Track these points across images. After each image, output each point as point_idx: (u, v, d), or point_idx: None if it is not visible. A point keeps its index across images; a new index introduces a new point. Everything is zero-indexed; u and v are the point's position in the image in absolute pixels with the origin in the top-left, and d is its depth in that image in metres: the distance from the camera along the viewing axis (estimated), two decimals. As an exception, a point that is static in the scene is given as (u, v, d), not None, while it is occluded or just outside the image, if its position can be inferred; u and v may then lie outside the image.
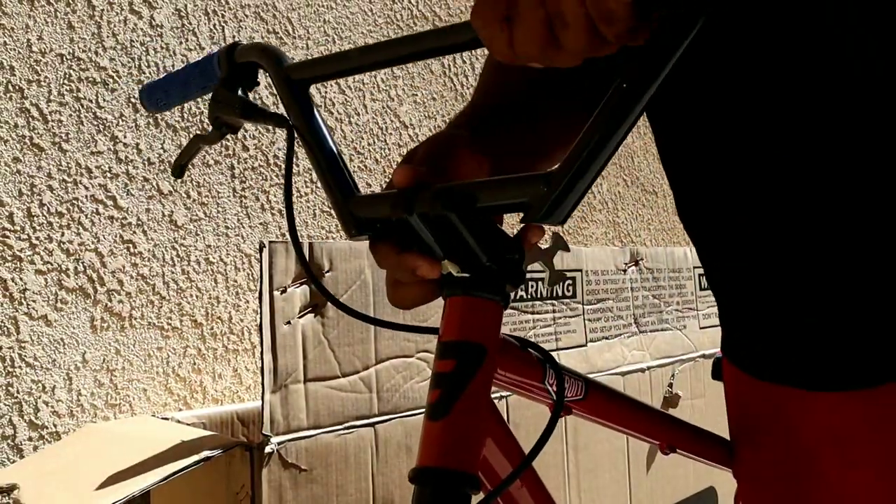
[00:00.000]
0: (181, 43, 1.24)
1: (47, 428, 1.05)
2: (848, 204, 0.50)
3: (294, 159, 0.58)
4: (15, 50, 1.06)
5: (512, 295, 0.65)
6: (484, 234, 0.48)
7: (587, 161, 0.42)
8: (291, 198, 0.58)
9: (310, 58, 0.67)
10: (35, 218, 1.06)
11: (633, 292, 1.40)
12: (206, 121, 1.24)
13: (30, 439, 1.04)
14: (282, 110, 0.60)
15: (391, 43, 0.52)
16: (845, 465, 0.54)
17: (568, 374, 0.59)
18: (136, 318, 1.16)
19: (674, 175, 0.63)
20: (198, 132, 0.75)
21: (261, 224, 1.33)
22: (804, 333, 0.55)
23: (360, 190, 0.56)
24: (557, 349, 1.24)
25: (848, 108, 0.49)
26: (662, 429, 0.67)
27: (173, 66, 1.22)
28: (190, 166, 1.23)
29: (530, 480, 0.56)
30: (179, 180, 1.22)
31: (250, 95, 0.65)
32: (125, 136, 1.16)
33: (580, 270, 1.29)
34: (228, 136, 0.77)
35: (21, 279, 1.04)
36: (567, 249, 0.62)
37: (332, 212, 1.42)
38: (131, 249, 1.16)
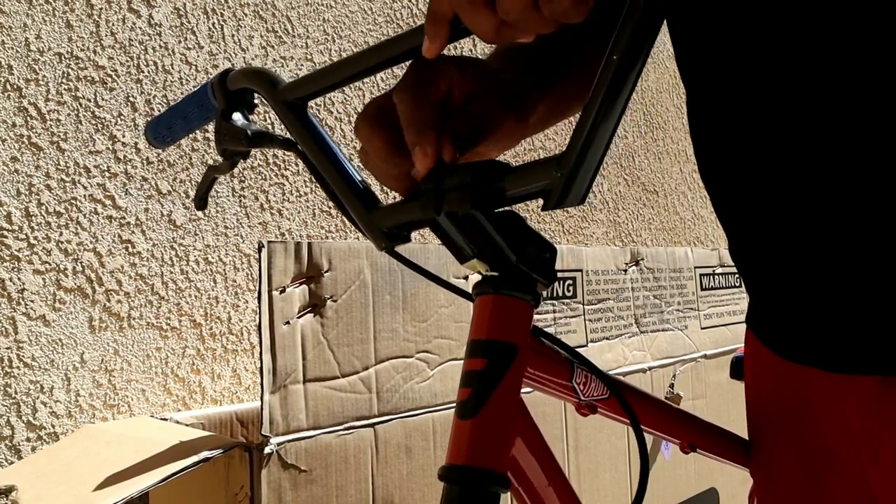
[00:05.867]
0: (180, 42, 1.23)
1: (45, 429, 1.05)
2: (883, 173, 0.48)
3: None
4: (13, 48, 1.05)
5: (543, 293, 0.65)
6: (512, 233, 0.48)
7: (591, 138, 0.42)
8: (342, 206, 0.57)
9: (307, 71, 0.67)
10: (33, 217, 1.06)
11: (633, 292, 1.40)
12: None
13: (28, 440, 1.03)
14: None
15: (383, 45, 0.51)
16: (866, 462, 0.53)
17: (595, 373, 0.59)
18: (134, 319, 1.15)
19: (701, 141, 0.61)
20: (210, 163, 0.75)
21: (260, 224, 1.32)
22: (835, 309, 0.53)
23: (379, 200, 0.55)
24: (558, 349, 1.23)
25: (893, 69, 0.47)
26: (684, 427, 0.66)
27: (172, 64, 1.22)
28: (189, 166, 1.23)
29: (557, 480, 0.55)
30: (180, 181, 1.21)
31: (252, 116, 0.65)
32: (124, 136, 1.16)
33: (580, 270, 1.29)
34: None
35: (19, 279, 1.04)
36: None
37: (330, 213, 1.41)
38: (130, 249, 1.15)
